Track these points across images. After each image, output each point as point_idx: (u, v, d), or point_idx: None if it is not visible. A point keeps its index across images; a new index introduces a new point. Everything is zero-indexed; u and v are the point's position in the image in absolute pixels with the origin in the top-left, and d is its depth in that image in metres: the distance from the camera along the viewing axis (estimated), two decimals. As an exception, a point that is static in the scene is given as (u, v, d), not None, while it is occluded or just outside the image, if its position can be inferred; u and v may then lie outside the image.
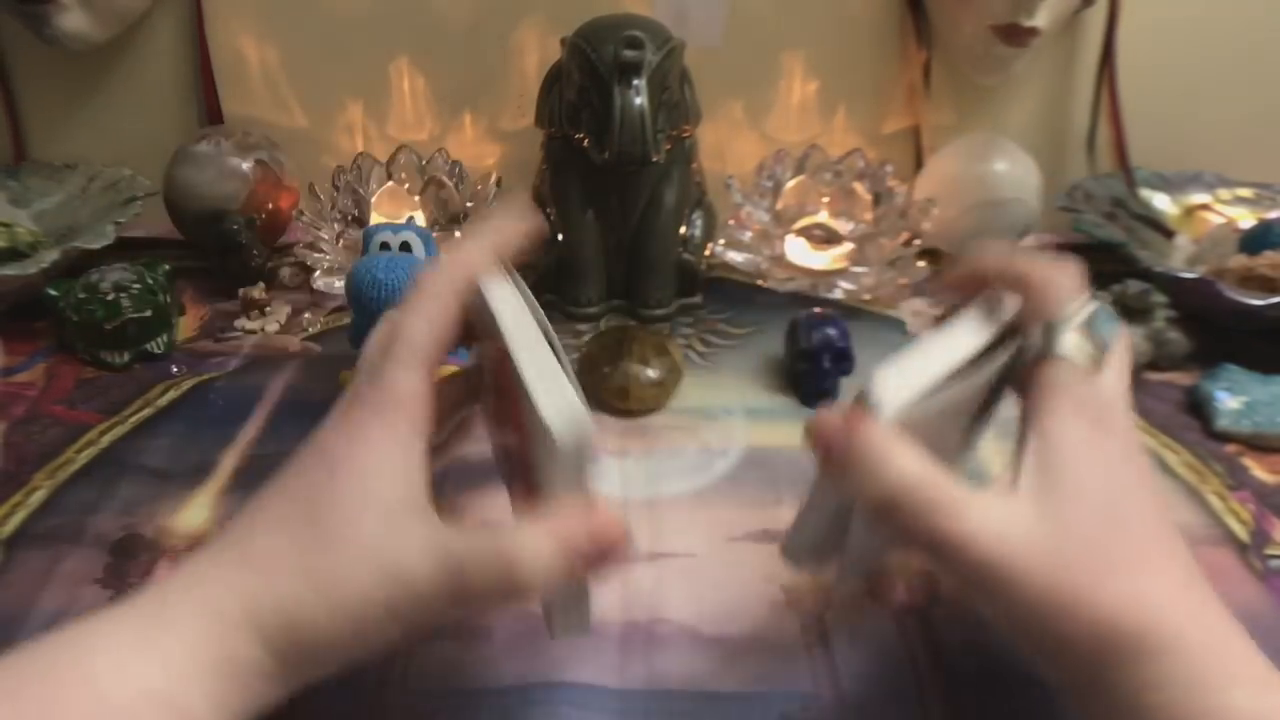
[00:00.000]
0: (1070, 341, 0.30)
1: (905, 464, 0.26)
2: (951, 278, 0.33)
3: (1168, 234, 0.66)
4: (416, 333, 0.28)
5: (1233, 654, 0.26)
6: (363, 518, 0.26)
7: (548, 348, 0.29)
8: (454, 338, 0.30)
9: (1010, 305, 0.32)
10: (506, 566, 0.25)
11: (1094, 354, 0.30)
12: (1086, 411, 0.28)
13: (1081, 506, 0.27)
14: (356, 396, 0.28)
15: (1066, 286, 0.30)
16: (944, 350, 0.30)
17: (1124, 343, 0.31)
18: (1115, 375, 0.30)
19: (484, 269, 0.30)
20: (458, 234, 0.61)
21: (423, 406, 0.28)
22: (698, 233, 0.60)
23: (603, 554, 0.27)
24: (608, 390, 0.50)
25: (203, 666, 0.25)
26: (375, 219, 0.61)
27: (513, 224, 0.32)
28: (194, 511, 0.43)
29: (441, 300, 0.29)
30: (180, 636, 0.25)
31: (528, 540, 0.26)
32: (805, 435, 0.29)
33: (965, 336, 0.30)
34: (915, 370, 0.28)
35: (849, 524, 0.31)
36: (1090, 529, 0.26)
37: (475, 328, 0.32)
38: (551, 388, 0.27)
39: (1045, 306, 0.30)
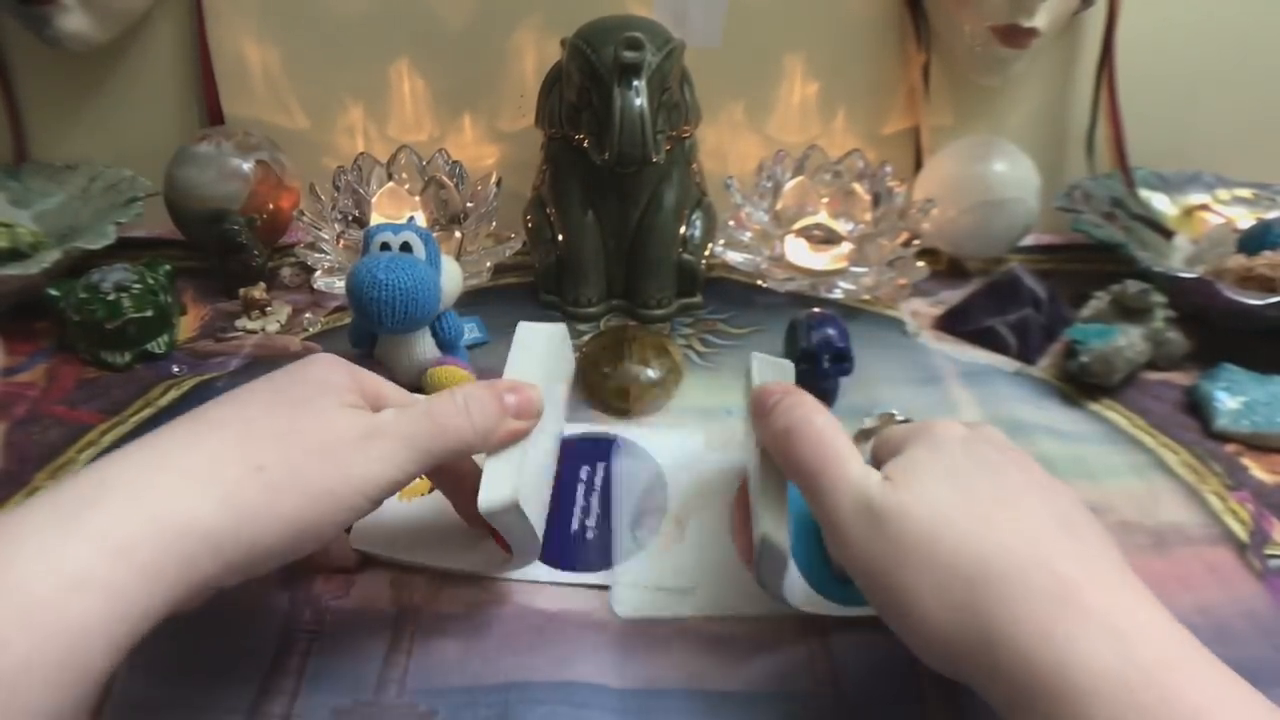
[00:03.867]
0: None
1: (822, 417, 0.34)
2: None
3: (1167, 234, 0.66)
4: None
5: (1091, 574, 0.28)
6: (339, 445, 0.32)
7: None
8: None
9: None
10: (460, 404, 0.34)
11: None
12: (925, 441, 0.33)
13: (932, 482, 0.31)
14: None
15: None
16: None
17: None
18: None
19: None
20: (457, 232, 0.61)
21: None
22: (698, 233, 0.60)
23: (522, 411, 0.36)
24: (608, 390, 0.50)
25: (144, 565, 0.26)
26: (376, 219, 0.61)
27: None
28: (195, 511, 0.43)
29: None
30: (128, 541, 0.26)
31: (472, 388, 0.35)
32: (750, 399, 0.37)
33: None
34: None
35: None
36: (936, 491, 0.31)
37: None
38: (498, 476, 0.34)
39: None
